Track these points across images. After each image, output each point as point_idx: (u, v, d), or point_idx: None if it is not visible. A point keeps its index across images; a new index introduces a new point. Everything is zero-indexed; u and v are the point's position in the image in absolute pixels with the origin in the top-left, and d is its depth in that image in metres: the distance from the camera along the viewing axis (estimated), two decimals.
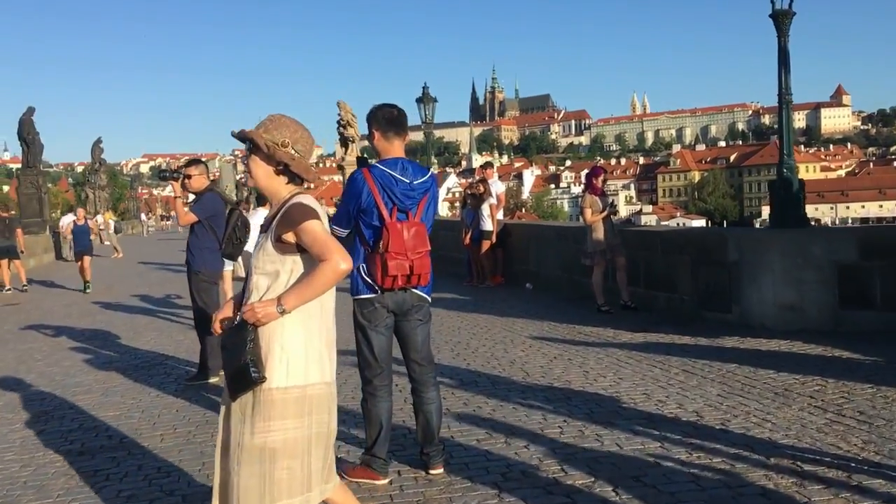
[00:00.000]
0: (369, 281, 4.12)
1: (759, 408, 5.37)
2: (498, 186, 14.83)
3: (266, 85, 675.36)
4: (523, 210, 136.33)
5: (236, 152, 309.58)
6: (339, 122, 34.27)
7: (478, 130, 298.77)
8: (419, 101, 20.37)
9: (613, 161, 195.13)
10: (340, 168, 36.47)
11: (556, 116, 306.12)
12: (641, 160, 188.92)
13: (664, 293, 9.73)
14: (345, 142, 34.32)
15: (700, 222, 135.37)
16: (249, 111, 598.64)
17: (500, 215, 14.59)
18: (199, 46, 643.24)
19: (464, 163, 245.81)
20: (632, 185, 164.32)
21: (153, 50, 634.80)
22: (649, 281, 10.07)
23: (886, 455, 4.27)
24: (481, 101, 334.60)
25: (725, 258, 8.45)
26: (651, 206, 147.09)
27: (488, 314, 10.59)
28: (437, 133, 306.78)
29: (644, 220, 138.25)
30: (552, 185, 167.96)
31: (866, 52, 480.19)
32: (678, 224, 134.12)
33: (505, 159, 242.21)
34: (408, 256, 4.06)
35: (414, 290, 4.20)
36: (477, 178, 15.21)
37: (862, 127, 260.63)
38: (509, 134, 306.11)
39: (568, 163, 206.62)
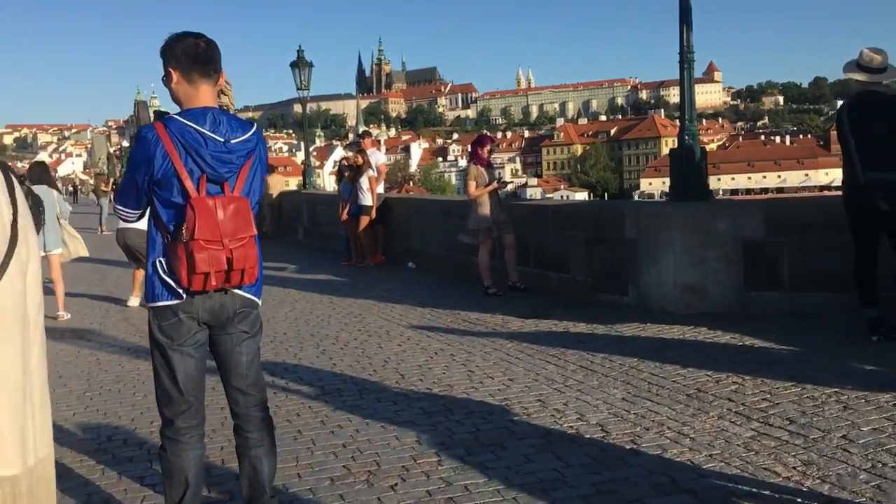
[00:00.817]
0: (170, 281, 2.93)
1: (671, 416, 4.53)
2: (378, 157, 13.67)
3: (139, 51, 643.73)
4: (411, 183, 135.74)
5: (109, 123, 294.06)
6: None
7: (364, 103, 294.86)
8: (293, 65, 18.84)
9: (500, 134, 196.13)
10: None
11: (443, 90, 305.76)
12: (527, 133, 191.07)
13: (556, 273, 8.90)
14: None
15: (583, 195, 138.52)
16: (128, 80, 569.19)
17: (380, 189, 13.46)
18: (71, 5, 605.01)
19: (350, 135, 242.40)
20: (517, 158, 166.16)
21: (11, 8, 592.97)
22: (540, 260, 9.22)
23: (835, 483, 3.47)
24: (368, 74, 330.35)
25: (622, 235, 7.66)
26: (536, 179, 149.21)
27: (365, 299, 9.50)
28: (324, 105, 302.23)
29: (529, 192, 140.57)
30: (440, 159, 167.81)
31: (736, 30, 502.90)
32: (562, 197, 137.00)
33: (392, 132, 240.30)
34: (224, 245, 2.86)
35: (236, 292, 3.03)
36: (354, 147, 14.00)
37: (732, 102, 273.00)
38: (396, 107, 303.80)
39: (455, 136, 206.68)
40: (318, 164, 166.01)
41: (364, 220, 12.97)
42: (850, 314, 6.37)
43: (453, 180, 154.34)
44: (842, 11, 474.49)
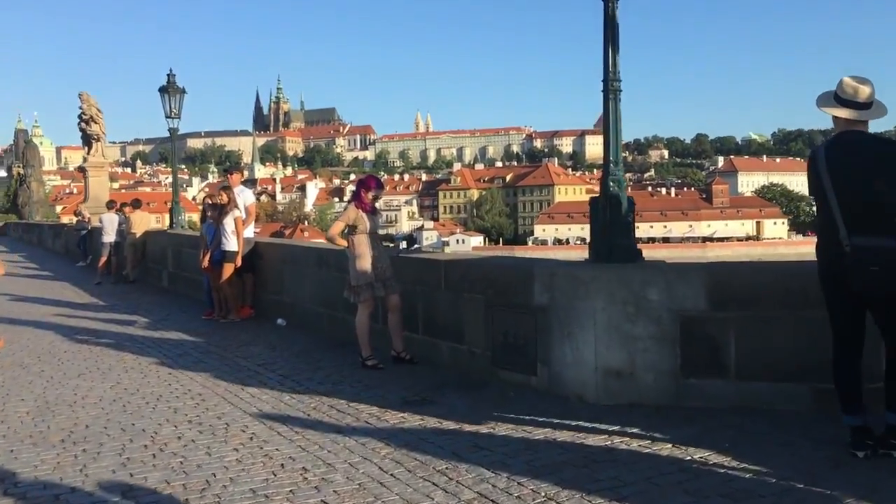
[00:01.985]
0: None
1: None
2: (246, 196, 11.84)
3: (20, 78, 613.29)
4: (306, 223, 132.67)
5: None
6: (80, 116, 29.38)
7: (261, 141, 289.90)
8: (163, 90, 16.82)
9: (397, 177, 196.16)
10: (82, 170, 31.44)
11: (341, 130, 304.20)
12: (424, 177, 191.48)
13: (449, 343, 7.32)
14: (87, 139, 29.47)
15: (478, 239, 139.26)
16: (7, 108, 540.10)
17: (249, 232, 11.62)
18: None
19: (246, 173, 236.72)
20: (414, 201, 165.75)
21: None
22: (430, 326, 7.63)
23: None
24: (266, 112, 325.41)
25: (530, 301, 6.18)
26: (433, 222, 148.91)
27: (214, 370, 7.64)
28: (219, 141, 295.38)
29: (425, 235, 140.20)
30: (336, 199, 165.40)
31: (625, 85, 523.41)
32: (458, 241, 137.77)
33: (289, 171, 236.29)
34: None
35: None
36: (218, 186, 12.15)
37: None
38: (294, 146, 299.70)
39: (352, 176, 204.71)
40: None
41: (228, 269, 11.09)
42: (815, 412, 5.05)
43: None
44: (725, 71, 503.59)
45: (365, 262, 7.36)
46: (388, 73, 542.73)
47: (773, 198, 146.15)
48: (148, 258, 17.87)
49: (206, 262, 11.43)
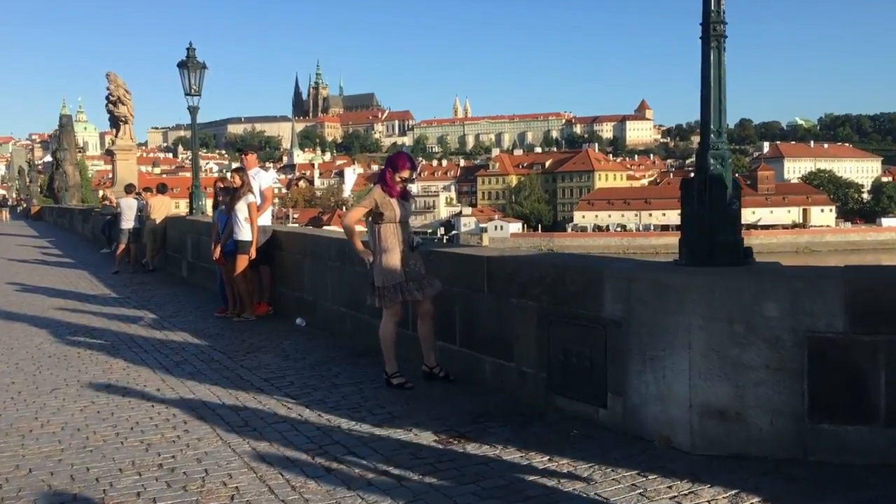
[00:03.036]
0: None
1: None
2: (263, 179, 10.53)
3: (66, 64, 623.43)
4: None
5: (33, 136, 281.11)
6: (108, 98, 28.48)
7: (300, 126, 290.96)
8: (182, 66, 15.61)
9: (435, 162, 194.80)
10: (109, 153, 30.63)
11: (380, 116, 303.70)
12: (462, 162, 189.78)
13: (493, 359, 5.95)
14: (115, 121, 28.58)
15: (517, 225, 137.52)
16: (53, 93, 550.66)
17: (265, 219, 10.35)
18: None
19: (285, 158, 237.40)
20: (452, 187, 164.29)
21: None
22: (470, 337, 6.26)
23: None
24: (305, 97, 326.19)
25: (599, 311, 4.79)
26: (471, 208, 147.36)
27: (208, 390, 6.36)
28: (258, 126, 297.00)
29: (464, 221, 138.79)
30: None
31: (667, 70, 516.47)
32: (497, 227, 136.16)
33: (328, 156, 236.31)
34: None
35: None
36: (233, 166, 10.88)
37: (662, 140, 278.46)
38: (333, 131, 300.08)
39: None
40: None
41: (242, 261, 9.84)
42: None
43: None
44: (769, 55, 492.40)
45: (393, 257, 6.01)
46: (426, 58, 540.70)
47: (821, 184, 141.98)
48: (168, 246, 16.79)
49: (217, 254, 10.21)
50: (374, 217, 6.05)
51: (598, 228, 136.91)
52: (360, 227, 6.53)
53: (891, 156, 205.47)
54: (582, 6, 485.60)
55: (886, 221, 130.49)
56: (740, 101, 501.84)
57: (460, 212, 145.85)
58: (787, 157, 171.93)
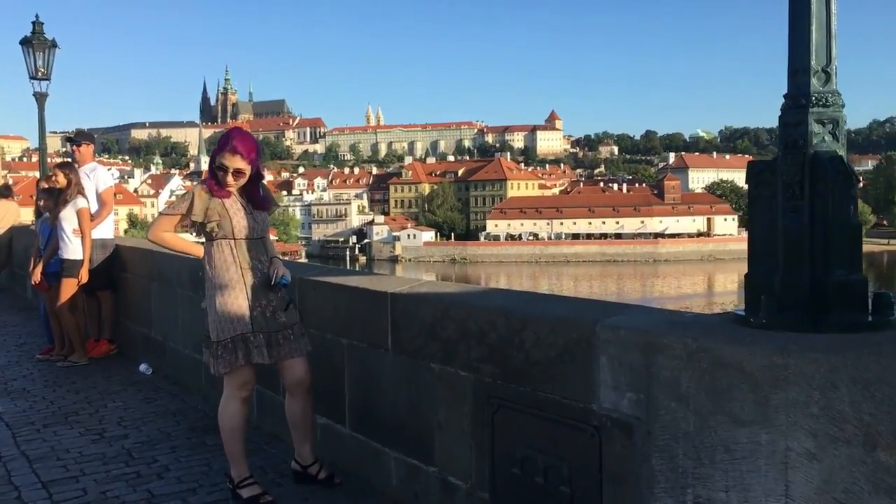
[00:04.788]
0: None
1: None
2: (101, 177, 7.97)
3: None
4: None
5: None
6: None
7: (208, 132, 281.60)
8: (26, 43, 12.80)
9: (347, 170, 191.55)
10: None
11: (291, 123, 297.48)
12: (375, 170, 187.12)
13: (401, 455, 3.76)
14: None
15: (430, 234, 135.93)
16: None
17: (104, 231, 7.87)
18: None
19: (192, 165, 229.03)
20: (364, 195, 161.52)
21: None
22: (367, 417, 4.05)
23: None
24: (213, 103, 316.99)
25: (589, 399, 2.67)
26: (383, 217, 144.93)
27: None
28: (164, 132, 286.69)
29: (376, 230, 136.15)
30: (284, 192, 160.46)
31: (575, 82, 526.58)
32: (409, 235, 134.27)
33: None
34: None
35: None
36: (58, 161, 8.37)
37: (571, 150, 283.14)
38: None
39: (301, 170, 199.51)
40: (152, 192, 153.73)
41: (68, 286, 7.37)
42: None
43: (298, 214, 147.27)
44: (672, 69, 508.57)
45: (230, 296, 3.73)
46: (338, 65, 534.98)
47: (723, 194, 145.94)
48: (14, 261, 13.93)
49: (37, 277, 7.69)
50: (203, 231, 3.76)
51: (510, 237, 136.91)
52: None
53: None
54: (492, 18, 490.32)
55: None
56: (645, 113, 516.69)
57: (372, 220, 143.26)
58: (691, 168, 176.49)
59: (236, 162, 3.70)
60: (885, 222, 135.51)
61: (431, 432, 3.53)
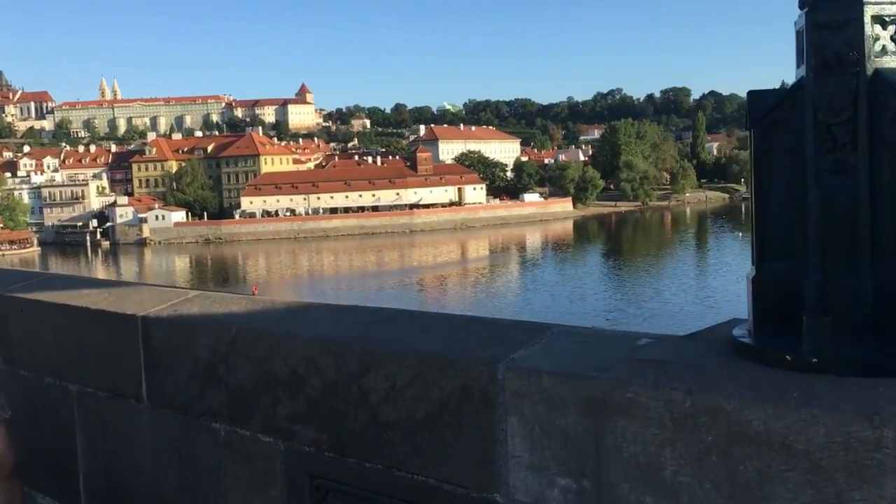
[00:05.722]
0: None
1: None
2: None
3: None
4: None
5: None
6: None
7: None
8: None
9: (82, 148, 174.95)
10: None
11: (11, 97, 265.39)
12: (114, 148, 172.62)
13: None
14: None
15: (180, 214, 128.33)
16: None
17: None
18: None
19: None
20: (104, 175, 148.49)
21: None
22: (114, 498, 2.77)
23: None
24: None
25: (489, 488, 1.71)
26: (127, 198, 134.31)
27: None
28: None
29: (119, 212, 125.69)
30: (8, 174, 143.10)
31: (326, 55, 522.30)
32: (157, 217, 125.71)
33: None
34: None
35: None
36: None
37: (324, 124, 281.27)
38: None
39: (27, 149, 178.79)
40: None
41: None
42: None
43: (25, 198, 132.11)
44: (420, 42, 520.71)
45: None
46: (65, 32, 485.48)
47: (472, 164, 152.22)
48: None
49: None
50: None
51: (266, 214, 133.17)
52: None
53: (526, 138, 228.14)
54: None
55: (528, 197, 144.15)
56: (395, 86, 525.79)
57: (115, 202, 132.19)
58: (441, 140, 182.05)
59: None
60: (611, 186, 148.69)
61: None
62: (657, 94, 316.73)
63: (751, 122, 1.45)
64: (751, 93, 1.46)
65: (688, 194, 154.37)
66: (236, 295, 2.56)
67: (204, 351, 2.33)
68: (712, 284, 62.23)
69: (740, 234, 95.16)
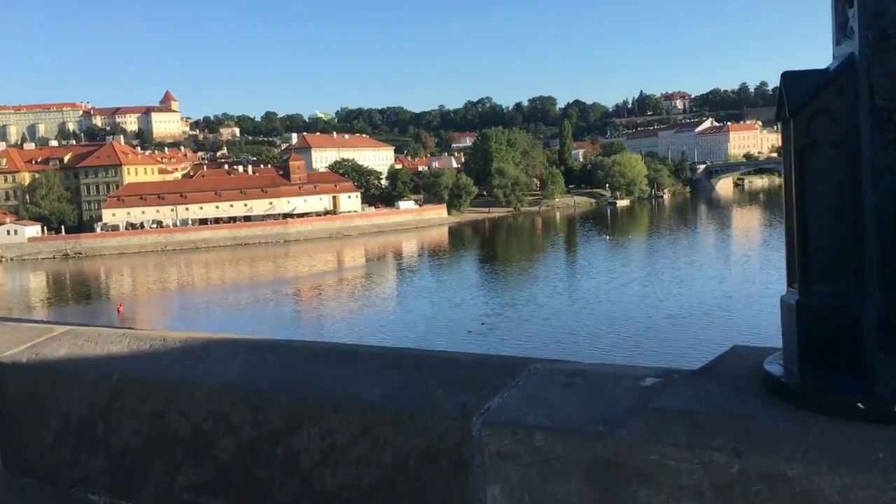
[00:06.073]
0: None
1: None
2: None
3: None
4: None
5: None
6: None
7: None
8: None
9: None
10: None
11: None
12: None
13: None
14: None
15: (35, 228, 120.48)
16: None
17: None
18: None
19: None
20: None
21: None
22: None
23: None
24: None
25: None
26: None
27: None
28: None
29: None
30: None
31: (191, 63, 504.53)
32: (9, 231, 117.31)
33: None
34: None
35: None
36: None
37: (191, 132, 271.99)
38: None
39: None
40: None
41: None
42: None
43: None
44: (290, 50, 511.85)
45: None
46: None
47: (346, 172, 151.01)
48: None
49: None
50: None
51: (131, 226, 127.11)
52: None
53: (399, 145, 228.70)
54: None
55: (403, 204, 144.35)
56: (264, 93, 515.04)
57: None
58: (314, 148, 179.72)
59: None
60: (484, 192, 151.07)
61: None
62: (525, 103, 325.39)
63: (789, 111, 1.18)
64: (786, 74, 1.19)
65: (557, 199, 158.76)
66: (117, 330, 2.09)
67: (77, 405, 1.86)
68: (584, 286, 63.93)
69: (607, 236, 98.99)
